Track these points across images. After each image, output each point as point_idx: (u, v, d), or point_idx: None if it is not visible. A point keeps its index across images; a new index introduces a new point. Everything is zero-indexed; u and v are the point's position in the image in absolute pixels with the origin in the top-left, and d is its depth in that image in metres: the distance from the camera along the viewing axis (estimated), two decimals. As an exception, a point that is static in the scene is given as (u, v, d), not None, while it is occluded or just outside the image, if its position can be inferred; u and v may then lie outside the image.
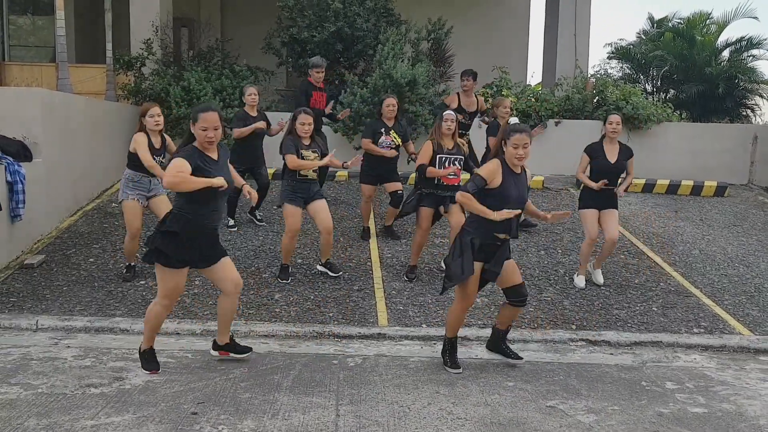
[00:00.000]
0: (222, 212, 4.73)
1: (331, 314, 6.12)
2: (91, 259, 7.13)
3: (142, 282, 6.63)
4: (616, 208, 6.88)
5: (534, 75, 15.66)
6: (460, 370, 4.99)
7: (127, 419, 3.98)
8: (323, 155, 6.59)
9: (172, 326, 5.71)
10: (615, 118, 6.88)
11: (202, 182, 4.34)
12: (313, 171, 6.53)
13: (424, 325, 5.98)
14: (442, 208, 6.77)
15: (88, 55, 14.02)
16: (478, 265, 4.85)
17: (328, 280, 6.82)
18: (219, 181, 4.39)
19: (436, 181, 6.63)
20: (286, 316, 6.04)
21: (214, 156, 4.55)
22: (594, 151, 6.87)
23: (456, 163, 6.63)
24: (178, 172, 4.29)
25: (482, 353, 5.46)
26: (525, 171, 5.03)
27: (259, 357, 5.15)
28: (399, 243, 7.94)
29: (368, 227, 8.11)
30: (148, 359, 4.78)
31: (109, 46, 10.71)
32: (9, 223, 6.88)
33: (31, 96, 7.56)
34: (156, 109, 6.50)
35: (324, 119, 8.98)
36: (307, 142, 6.51)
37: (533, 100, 11.48)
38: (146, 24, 11.42)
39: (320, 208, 6.56)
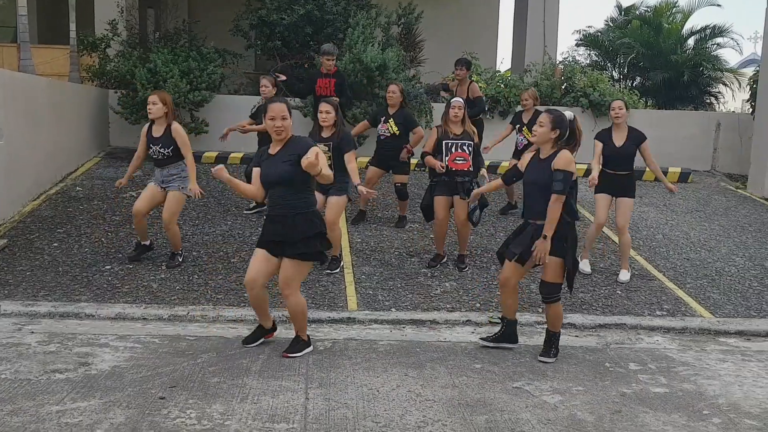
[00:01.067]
0: (284, 202, 4.67)
1: (300, 299, 6.10)
2: (54, 244, 7.01)
3: (108, 267, 6.54)
4: (631, 197, 6.89)
5: (503, 61, 15.73)
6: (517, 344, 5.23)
7: (93, 404, 3.94)
8: (335, 148, 6.33)
9: (138, 311, 5.66)
10: (617, 103, 6.89)
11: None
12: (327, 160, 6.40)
13: (393, 309, 6.01)
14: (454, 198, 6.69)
15: (51, 36, 13.71)
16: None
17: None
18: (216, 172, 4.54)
19: (446, 168, 6.57)
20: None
21: (273, 151, 4.67)
22: (602, 136, 6.85)
23: (464, 148, 6.62)
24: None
25: (450, 336, 5.52)
26: (555, 155, 4.83)
27: (228, 342, 5.13)
28: (369, 228, 7.95)
29: (364, 211, 8.10)
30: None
31: (72, 26, 10.48)
32: (-31, 207, 6.73)
33: (-9, 76, 7.36)
34: (152, 97, 6.33)
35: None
36: (327, 133, 6.37)
37: (502, 86, 11.54)
38: (111, 4, 11.18)
39: (330, 202, 6.44)
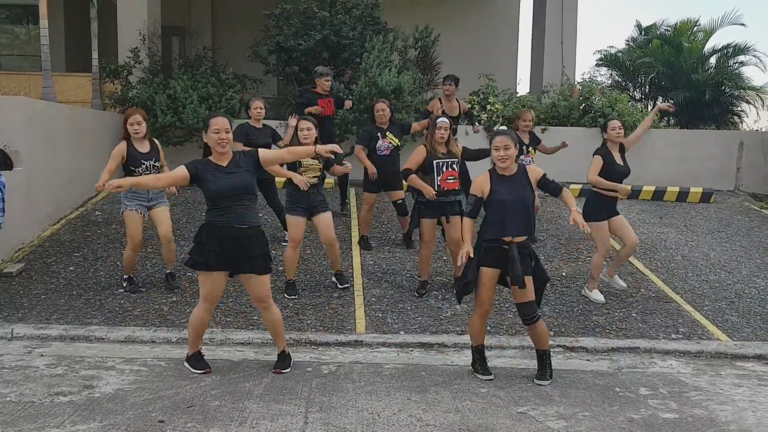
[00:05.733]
0: (242, 215, 4.73)
1: (309, 321, 6.10)
2: (71, 268, 7.12)
3: (121, 290, 6.61)
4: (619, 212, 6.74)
5: (521, 82, 15.68)
6: (492, 377, 5.03)
7: (93, 427, 3.96)
8: (326, 164, 6.48)
9: (147, 334, 5.70)
10: (617, 123, 6.71)
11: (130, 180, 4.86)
12: (314, 177, 6.45)
13: (402, 332, 5.97)
14: (443, 218, 6.59)
15: (79, 64, 14.04)
16: (489, 271, 4.90)
17: (308, 288, 6.81)
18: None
19: (435, 187, 6.45)
20: (263, 323, 6.01)
21: (224, 164, 4.75)
22: (606, 155, 6.64)
23: (453, 166, 6.53)
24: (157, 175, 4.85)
25: (458, 360, 5.45)
26: (524, 170, 4.98)
27: (233, 365, 5.14)
28: (382, 251, 7.93)
29: (367, 236, 8.07)
30: (197, 360, 4.98)
31: (95, 54, 10.73)
32: (-12, 232, 6.86)
33: (12, 104, 7.56)
34: (136, 117, 6.41)
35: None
36: None
37: (520, 107, 11.48)
38: (133, 32, 11.45)
39: (321, 220, 6.48)
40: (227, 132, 4.72)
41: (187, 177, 4.69)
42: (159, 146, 6.64)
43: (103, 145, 10.06)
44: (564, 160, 11.03)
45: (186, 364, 5.01)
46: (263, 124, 7.96)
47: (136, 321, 5.99)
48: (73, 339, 5.61)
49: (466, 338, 5.87)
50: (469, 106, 9.44)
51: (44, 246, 7.67)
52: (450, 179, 6.49)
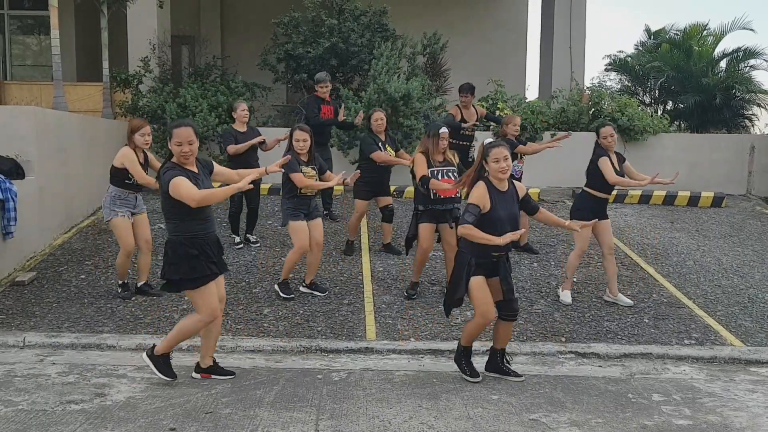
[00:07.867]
0: (213, 219, 4.79)
1: (319, 328, 6.10)
2: (82, 276, 7.15)
3: (132, 298, 6.63)
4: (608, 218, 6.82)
5: (529, 87, 15.65)
6: (479, 379, 5.07)
7: (104, 435, 3.97)
8: (320, 170, 6.61)
9: (159, 342, 5.69)
10: (608, 130, 6.65)
11: (231, 189, 4.49)
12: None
13: (412, 339, 5.95)
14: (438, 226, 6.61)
15: (89, 74, 14.15)
16: (481, 280, 4.88)
17: (318, 295, 6.80)
18: (249, 179, 4.53)
19: (432, 196, 6.43)
20: (274, 330, 6.03)
21: (194, 170, 4.63)
22: (609, 157, 6.65)
23: (450, 174, 6.46)
24: (193, 190, 4.39)
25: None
26: (513, 186, 5.00)
27: (244, 372, 5.14)
28: (391, 257, 7.93)
29: (353, 242, 8.09)
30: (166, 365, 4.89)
31: (105, 64, 10.80)
32: (1, 241, 6.91)
33: (23, 114, 7.61)
34: (147, 128, 6.59)
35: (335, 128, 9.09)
36: (305, 158, 6.49)
37: (529, 112, 11.49)
38: (143, 42, 11.54)
39: (317, 224, 6.60)
40: (190, 144, 4.50)
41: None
42: (152, 158, 6.81)
43: (113, 154, 10.11)
44: (569, 165, 11.04)
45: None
46: (248, 127, 8.05)
47: (147, 329, 6.00)
48: (84, 347, 5.63)
49: (476, 345, 5.84)
50: (486, 110, 9.81)
51: (56, 254, 7.71)
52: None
